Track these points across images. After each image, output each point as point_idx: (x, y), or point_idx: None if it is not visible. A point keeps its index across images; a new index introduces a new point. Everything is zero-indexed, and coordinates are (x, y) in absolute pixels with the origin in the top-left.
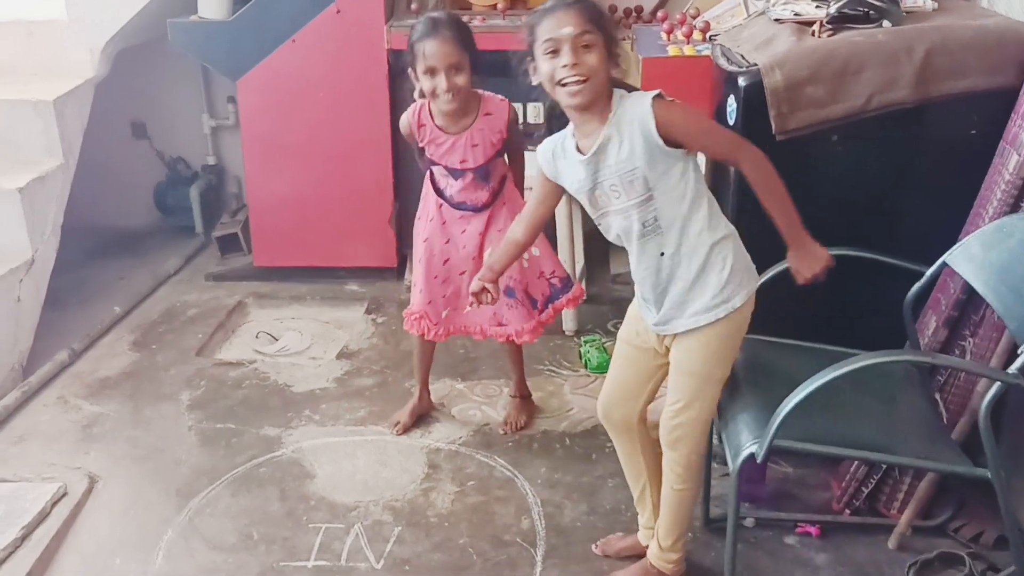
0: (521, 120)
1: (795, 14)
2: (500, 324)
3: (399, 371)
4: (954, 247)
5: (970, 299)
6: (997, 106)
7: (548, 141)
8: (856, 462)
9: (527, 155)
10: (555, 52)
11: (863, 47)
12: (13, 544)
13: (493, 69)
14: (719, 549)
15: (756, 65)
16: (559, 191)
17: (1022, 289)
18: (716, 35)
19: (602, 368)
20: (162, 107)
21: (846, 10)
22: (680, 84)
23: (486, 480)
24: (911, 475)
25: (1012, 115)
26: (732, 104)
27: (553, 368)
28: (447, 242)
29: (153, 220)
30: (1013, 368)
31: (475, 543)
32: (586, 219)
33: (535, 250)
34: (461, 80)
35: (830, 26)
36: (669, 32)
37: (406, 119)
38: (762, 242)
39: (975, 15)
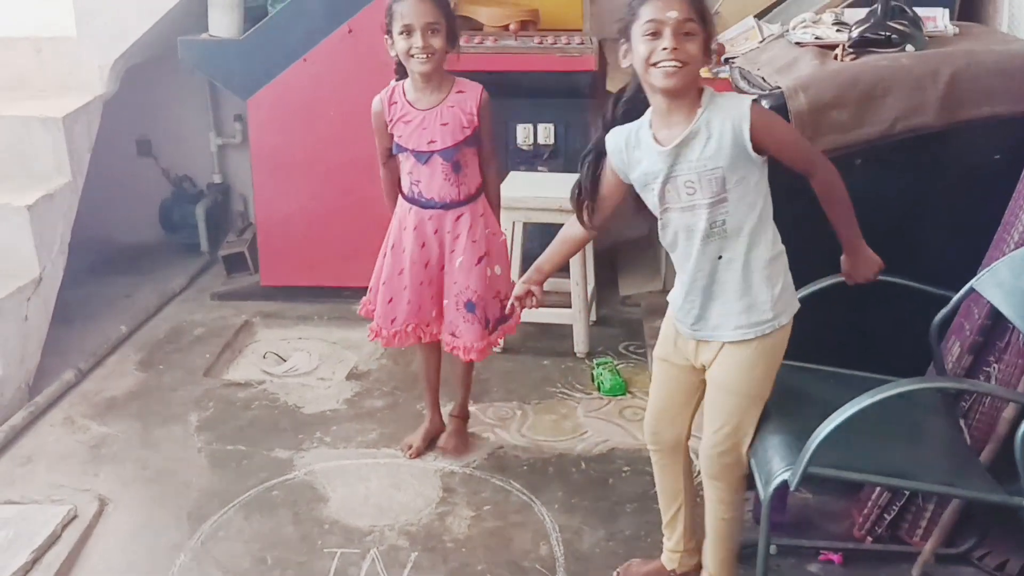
0: (530, 141)
1: (816, 37)
2: (453, 335)
3: (410, 392)
4: (981, 272)
5: (995, 324)
6: (1022, 131)
7: (619, 129)
8: (878, 489)
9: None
10: (655, 34)
11: (888, 71)
12: (24, 568)
13: (505, 90)
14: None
15: (779, 88)
16: (623, 187)
17: None
18: (733, 58)
19: (615, 391)
20: (168, 125)
21: (868, 34)
22: None
23: (502, 504)
24: (934, 502)
25: None
26: None
27: (566, 391)
28: (423, 247)
29: (158, 238)
30: None
31: (493, 569)
32: (599, 240)
33: (497, 268)
34: (437, 42)
35: (852, 50)
36: None
37: (379, 97)
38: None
39: (997, 40)
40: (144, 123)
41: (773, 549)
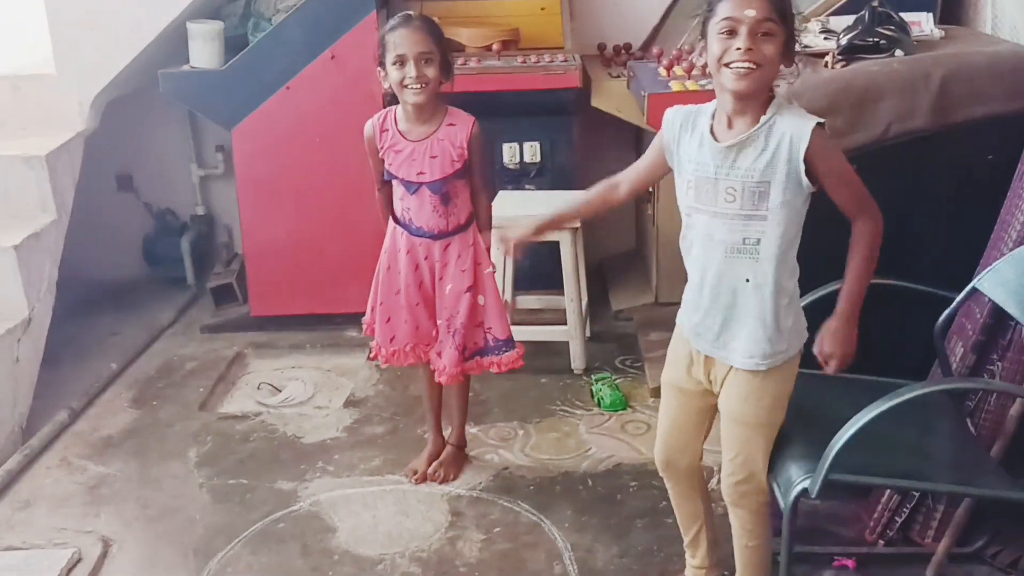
0: (517, 160)
1: (804, 46)
2: (438, 355)
3: (410, 417)
4: (983, 272)
5: (997, 323)
6: (1014, 131)
7: (681, 108)
8: (888, 492)
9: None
10: (731, 32)
11: (880, 76)
12: None
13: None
14: None
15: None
16: (663, 167)
17: None
18: None
19: (615, 406)
20: (148, 158)
21: (857, 41)
22: None
23: (512, 526)
24: (944, 502)
25: None
26: None
27: (566, 408)
28: (416, 269)
29: (142, 273)
30: None
31: None
32: (589, 255)
33: (481, 299)
34: (431, 71)
35: (842, 57)
36: (669, 68)
37: (371, 123)
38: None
39: (983, 42)
40: (123, 158)
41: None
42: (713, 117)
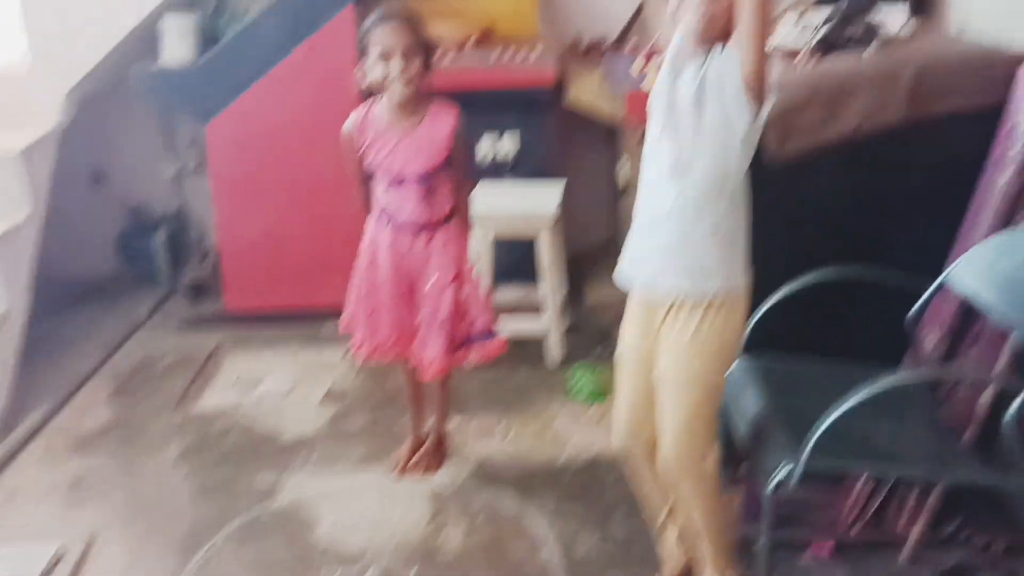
0: (494, 153)
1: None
2: (423, 349)
3: (390, 409)
4: (956, 263)
5: (968, 312)
6: (983, 125)
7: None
8: (862, 478)
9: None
10: None
11: (853, 73)
12: None
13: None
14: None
15: None
16: None
17: None
18: None
19: (593, 397)
20: (121, 154)
21: (832, 36)
22: None
23: (495, 515)
24: (917, 488)
25: (997, 134)
26: None
27: (545, 400)
28: (399, 262)
29: (117, 269)
30: None
31: None
32: (565, 247)
33: (465, 291)
34: (416, 66)
35: (816, 53)
36: (646, 61)
37: (353, 117)
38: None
39: (952, 40)
40: (97, 154)
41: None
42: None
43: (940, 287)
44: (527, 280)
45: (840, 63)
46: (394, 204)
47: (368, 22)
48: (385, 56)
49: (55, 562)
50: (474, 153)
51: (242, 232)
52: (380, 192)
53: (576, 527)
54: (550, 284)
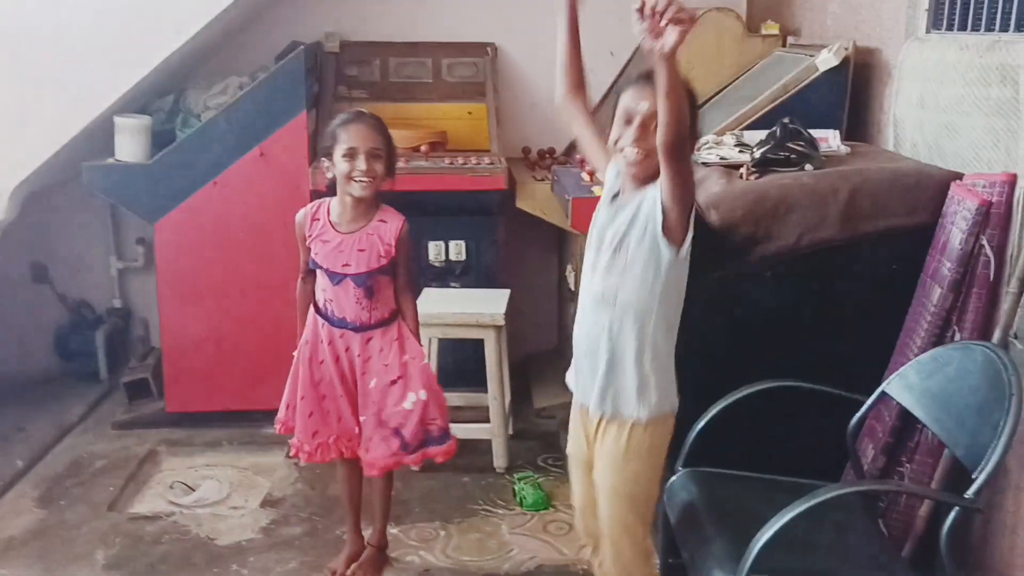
0: (442, 258)
1: (720, 158)
2: (366, 451)
3: (328, 517)
4: (891, 377)
5: (905, 426)
6: (916, 242)
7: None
8: None
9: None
10: (627, 121)
11: (791, 189)
12: None
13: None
14: None
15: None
16: (597, 148)
17: (964, 417)
18: None
19: (537, 505)
20: (65, 249)
21: (770, 155)
22: None
23: None
24: None
25: (930, 250)
26: None
27: (488, 508)
28: (337, 361)
29: (53, 366)
30: (969, 493)
31: None
32: (512, 352)
33: (422, 393)
34: (379, 167)
35: (756, 169)
36: (591, 173)
37: (304, 210)
38: (707, 377)
39: (885, 158)
40: (40, 248)
41: None
42: (621, 178)
43: (877, 401)
44: (473, 385)
45: (779, 179)
46: (333, 302)
47: (339, 119)
48: (350, 154)
49: None
50: (425, 256)
51: (186, 331)
52: (320, 288)
53: None
54: (495, 389)
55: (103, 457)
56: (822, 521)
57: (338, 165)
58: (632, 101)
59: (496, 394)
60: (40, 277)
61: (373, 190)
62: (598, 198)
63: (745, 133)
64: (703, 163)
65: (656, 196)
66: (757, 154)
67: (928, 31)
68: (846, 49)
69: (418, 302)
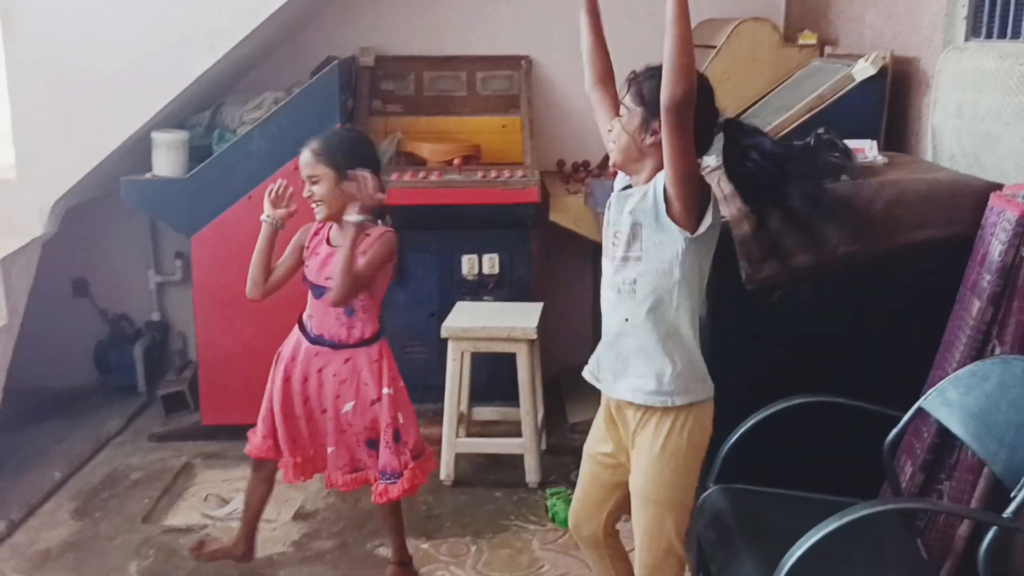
0: (476, 271)
1: None
2: (357, 469)
3: (360, 531)
4: (929, 392)
5: (944, 442)
6: (955, 254)
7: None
8: None
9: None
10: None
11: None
12: None
13: (451, 221)
14: None
15: (724, 217)
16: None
17: (1004, 434)
18: None
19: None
20: (105, 263)
21: None
22: None
23: None
24: None
25: (970, 262)
26: None
27: (520, 523)
28: (305, 381)
29: (92, 380)
30: (1008, 512)
31: None
32: (545, 367)
33: (400, 417)
34: (319, 190)
35: None
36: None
37: (312, 224)
38: (740, 391)
39: (923, 169)
40: (80, 263)
41: None
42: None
43: (914, 417)
44: (506, 399)
45: None
46: (313, 317)
47: None
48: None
49: None
50: (458, 270)
51: (222, 344)
52: (308, 302)
53: None
54: (528, 404)
55: (139, 469)
56: (859, 539)
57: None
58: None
59: (528, 408)
60: (80, 291)
61: (328, 212)
62: None
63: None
64: None
65: (659, 181)
66: None
67: (967, 39)
68: (883, 59)
69: (450, 316)
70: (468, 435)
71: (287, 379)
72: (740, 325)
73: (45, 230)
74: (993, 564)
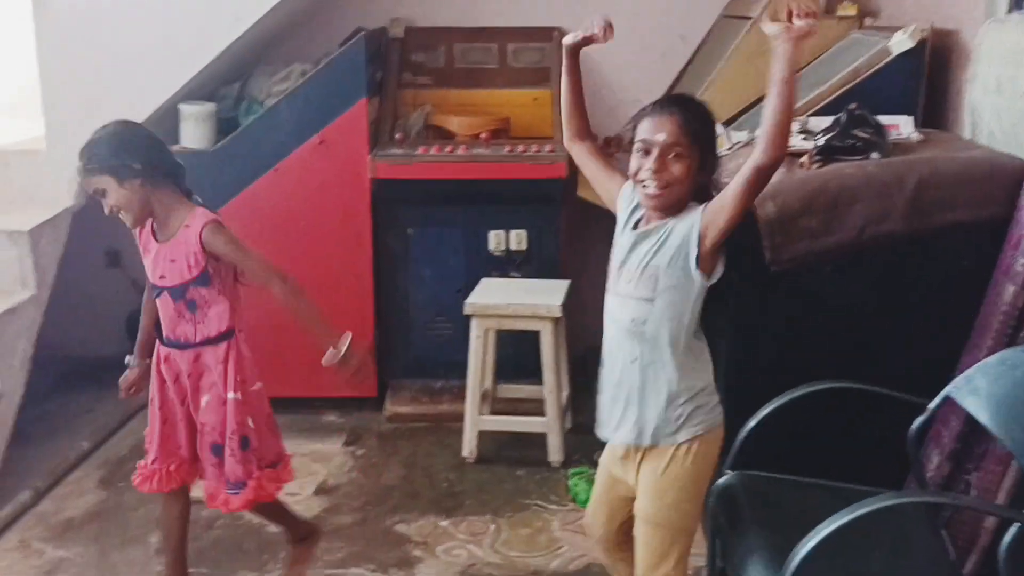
0: (503, 247)
1: None
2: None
3: (381, 507)
4: (957, 380)
5: (972, 432)
6: (988, 237)
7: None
8: None
9: None
10: (646, 152)
11: (855, 179)
12: None
13: (478, 197)
14: None
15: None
16: (605, 189)
17: None
18: None
19: None
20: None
21: (834, 142)
22: None
23: None
24: None
25: (1004, 246)
26: None
27: (540, 503)
28: (176, 380)
29: (124, 350)
30: None
31: None
32: (573, 345)
33: (250, 421)
34: (110, 201)
35: (819, 158)
36: None
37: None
38: (760, 376)
39: (959, 147)
40: (113, 234)
41: None
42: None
43: (941, 405)
44: (532, 378)
45: (842, 169)
46: (162, 319)
47: None
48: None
49: None
50: (485, 246)
51: (248, 317)
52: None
53: None
54: (551, 382)
55: None
56: (881, 529)
57: None
58: (650, 132)
59: (552, 387)
60: (113, 262)
61: (135, 216)
62: None
63: (810, 120)
64: None
65: (686, 231)
66: (820, 142)
67: (1009, 11)
68: (922, 31)
69: (474, 292)
70: (493, 412)
71: (160, 383)
72: (760, 307)
73: (75, 202)
74: (1015, 562)
